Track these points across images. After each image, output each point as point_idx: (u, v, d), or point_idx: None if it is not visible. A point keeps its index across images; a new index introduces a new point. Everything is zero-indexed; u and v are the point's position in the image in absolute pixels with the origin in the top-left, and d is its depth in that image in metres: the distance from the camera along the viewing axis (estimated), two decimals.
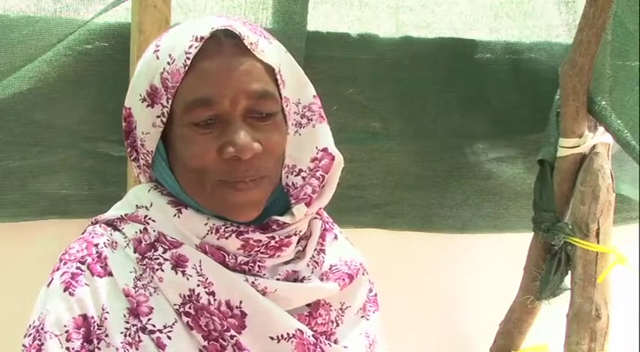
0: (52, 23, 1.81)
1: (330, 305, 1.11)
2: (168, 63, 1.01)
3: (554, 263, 2.11)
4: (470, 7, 2.25)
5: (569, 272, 2.11)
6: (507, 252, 2.27)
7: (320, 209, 1.12)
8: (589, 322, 2.06)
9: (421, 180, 2.24)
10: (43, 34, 1.80)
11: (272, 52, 1.04)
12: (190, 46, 1.00)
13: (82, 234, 1.12)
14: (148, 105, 1.03)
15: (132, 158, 1.10)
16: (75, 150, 1.90)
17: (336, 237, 1.18)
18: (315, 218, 1.12)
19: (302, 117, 1.08)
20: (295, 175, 1.07)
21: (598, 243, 2.07)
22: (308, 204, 1.06)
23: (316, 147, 1.08)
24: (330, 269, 1.13)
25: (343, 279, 1.11)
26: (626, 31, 1.96)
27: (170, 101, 1.01)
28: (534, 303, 2.15)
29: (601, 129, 2.09)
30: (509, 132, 2.29)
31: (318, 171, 1.07)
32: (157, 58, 1.03)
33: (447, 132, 2.24)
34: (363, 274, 1.18)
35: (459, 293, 2.34)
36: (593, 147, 2.09)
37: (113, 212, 1.11)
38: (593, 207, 2.06)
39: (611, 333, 2.09)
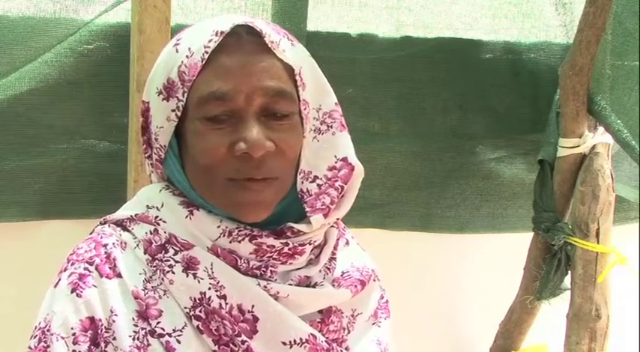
0: (51, 24, 1.81)
1: (342, 312, 1.10)
2: (187, 56, 0.99)
3: (554, 263, 2.11)
4: (469, 8, 2.25)
5: (569, 272, 2.11)
6: (507, 252, 2.27)
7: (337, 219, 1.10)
8: (589, 322, 2.07)
9: (421, 180, 2.24)
10: (42, 34, 1.80)
11: (293, 53, 1.02)
12: (210, 41, 0.98)
13: (90, 234, 1.10)
14: (163, 99, 1.01)
15: (146, 155, 1.08)
16: (75, 151, 1.89)
17: (347, 243, 1.17)
18: (332, 226, 1.10)
19: (321, 124, 1.06)
20: (310, 182, 1.05)
21: (598, 243, 2.07)
22: (326, 215, 1.04)
23: (335, 156, 1.06)
24: (341, 275, 1.11)
25: (355, 286, 1.10)
26: (625, 31, 1.95)
27: (186, 95, 0.99)
28: (534, 303, 2.15)
29: (601, 129, 2.09)
30: (508, 132, 2.29)
31: (337, 181, 1.05)
32: (177, 51, 1.01)
33: (446, 132, 2.24)
34: (375, 280, 1.17)
35: (459, 293, 2.34)
36: (593, 147, 2.09)
37: (123, 212, 1.09)
38: (593, 207, 2.06)
39: (611, 333, 2.09)
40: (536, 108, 2.27)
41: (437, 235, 2.29)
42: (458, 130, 2.25)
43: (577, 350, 2.08)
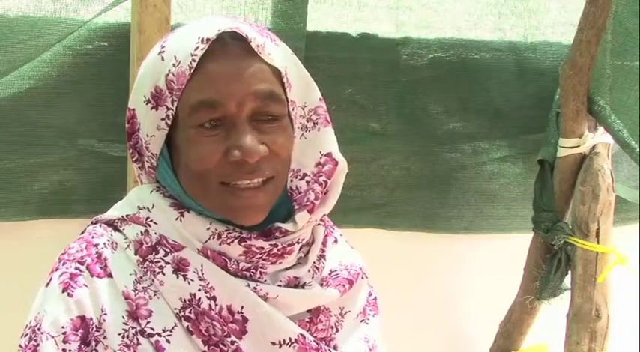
0: (51, 23, 1.81)
1: (330, 311, 1.10)
2: (174, 65, 1.00)
3: (554, 263, 2.11)
4: (473, 6, 2.23)
5: (569, 272, 2.11)
6: (507, 252, 2.27)
7: (323, 215, 1.10)
8: (589, 322, 2.06)
9: (422, 180, 2.23)
10: (42, 33, 1.80)
11: (278, 54, 1.03)
12: (196, 48, 0.98)
13: (82, 233, 1.11)
14: (152, 108, 1.02)
15: (133, 159, 1.09)
16: (74, 150, 1.90)
17: (336, 241, 1.18)
18: (319, 224, 1.11)
19: (308, 121, 1.07)
20: (300, 179, 1.06)
21: (598, 243, 2.07)
22: (310, 211, 1.05)
23: (320, 152, 1.07)
24: (330, 274, 1.12)
25: (343, 285, 1.11)
26: (625, 31, 1.95)
27: (175, 103, 1.00)
28: (534, 303, 2.15)
29: (601, 129, 2.08)
30: (512, 133, 2.28)
31: (321, 176, 1.06)
32: (162, 59, 1.02)
33: (448, 132, 2.23)
34: (363, 278, 1.17)
35: (459, 294, 2.33)
36: (593, 147, 2.09)
37: (114, 212, 1.10)
38: (593, 207, 2.06)
39: (611, 333, 2.09)
40: (539, 107, 2.26)
41: (436, 235, 2.29)
42: (460, 130, 2.24)
43: (577, 350, 2.08)
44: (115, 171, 1.90)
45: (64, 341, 1.00)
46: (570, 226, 2.09)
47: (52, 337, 1.00)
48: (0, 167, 1.83)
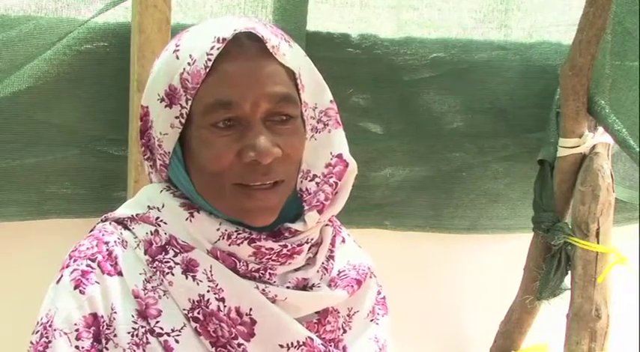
0: (53, 22, 1.80)
1: (338, 312, 1.10)
2: (189, 63, 1.00)
3: (554, 263, 2.11)
4: (476, 4, 2.22)
5: (569, 272, 2.11)
6: (507, 252, 2.27)
7: (331, 215, 1.10)
8: (589, 322, 2.07)
9: (425, 179, 2.22)
10: (44, 32, 1.79)
11: (293, 55, 1.04)
12: (212, 48, 0.98)
13: (91, 231, 1.11)
14: (166, 106, 1.02)
15: (145, 157, 1.09)
16: (75, 149, 1.89)
17: (343, 240, 1.18)
18: (327, 225, 1.11)
19: (318, 122, 1.07)
20: (309, 180, 1.07)
21: (598, 243, 2.07)
22: (320, 212, 1.05)
23: (330, 153, 1.07)
24: (338, 275, 1.12)
25: (352, 286, 1.11)
26: (625, 31, 1.95)
27: (189, 102, 1.00)
28: (534, 303, 2.15)
29: (601, 129, 2.09)
30: (516, 131, 2.27)
31: (331, 177, 1.06)
32: (177, 57, 1.02)
33: (451, 132, 2.22)
34: (371, 277, 1.17)
35: (459, 293, 2.34)
36: (593, 147, 2.09)
37: (124, 210, 1.10)
38: (593, 207, 2.06)
39: (611, 333, 2.09)
40: (544, 105, 2.24)
41: (437, 235, 2.29)
42: (464, 129, 2.23)
43: (577, 350, 2.08)
44: (116, 170, 1.90)
45: (77, 338, 1.00)
46: (570, 226, 2.09)
47: (65, 334, 1.00)
48: (0, 166, 1.83)
